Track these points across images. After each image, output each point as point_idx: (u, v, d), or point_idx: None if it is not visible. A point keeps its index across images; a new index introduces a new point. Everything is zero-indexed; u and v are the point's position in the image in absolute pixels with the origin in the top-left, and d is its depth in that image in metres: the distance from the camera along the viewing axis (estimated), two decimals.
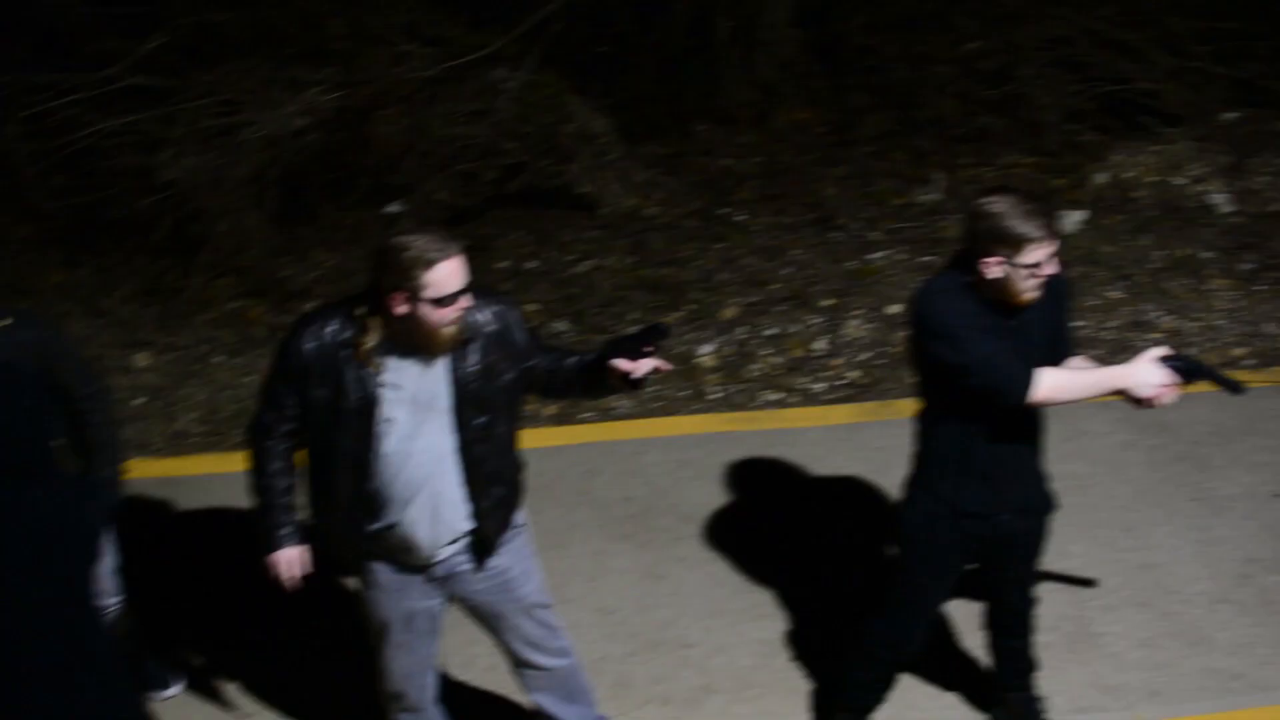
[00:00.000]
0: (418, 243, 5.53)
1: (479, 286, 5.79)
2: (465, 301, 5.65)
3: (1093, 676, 7.42)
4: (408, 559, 6.10)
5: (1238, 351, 9.72)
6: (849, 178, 12.01)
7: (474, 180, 11.52)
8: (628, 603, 7.98)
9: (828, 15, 13.79)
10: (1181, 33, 12.55)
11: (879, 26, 13.51)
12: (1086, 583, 7.93)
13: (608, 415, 9.35)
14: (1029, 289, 5.94)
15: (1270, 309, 10.05)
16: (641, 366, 5.80)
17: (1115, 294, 10.19)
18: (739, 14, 13.13)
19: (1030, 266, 5.86)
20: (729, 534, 8.39)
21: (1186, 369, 6.02)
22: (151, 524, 8.55)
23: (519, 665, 6.61)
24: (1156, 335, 9.85)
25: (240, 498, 8.72)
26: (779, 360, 9.83)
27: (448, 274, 5.55)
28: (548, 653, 6.58)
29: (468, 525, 6.10)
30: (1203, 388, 6.14)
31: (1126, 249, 10.67)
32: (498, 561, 6.26)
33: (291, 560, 6.14)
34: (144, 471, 9.00)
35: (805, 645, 7.68)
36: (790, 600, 7.96)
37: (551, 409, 9.41)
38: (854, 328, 10.04)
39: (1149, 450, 8.86)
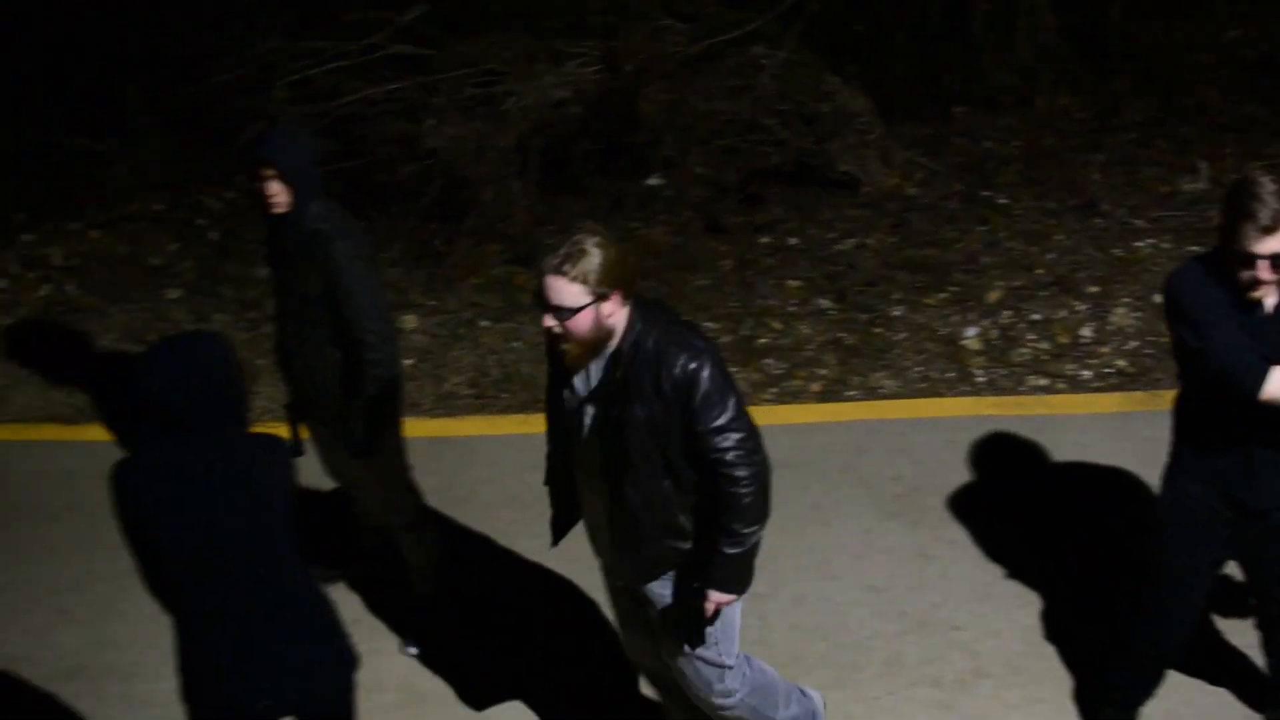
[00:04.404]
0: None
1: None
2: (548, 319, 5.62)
3: None
4: None
5: None
6: (1112, 164, 11.80)
7: (735, 155, 11.48)
8: (897, 582, 7.94)
9: (1087, 1, 13.62)
10: None
11: (1139, 13, 13.32)
12: None
13: (874, 394, 9.31)
14: (1246, 282, 5.78)
15: None
16: None
17: None
18: None
19: (1246, 256, 5.69)
20: (996, 518, 8.31)
21: None
22: (422, 482, 8.69)
23: None
24: None
25: (507, 459, 8.86)
26: (1045, 346, 9.71)
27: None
28: None
29: None
30: None
31: None
32: None
33: None
34: (414, 430, 9.11)
35: (1073, 636, 7.59)
36: (1058, 589, 7.87)
37: (816, 385, 9.38)
38: (1121, 315, 9.89)
39: None
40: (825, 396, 9.34)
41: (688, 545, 6.03)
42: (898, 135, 11.99)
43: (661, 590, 6.15)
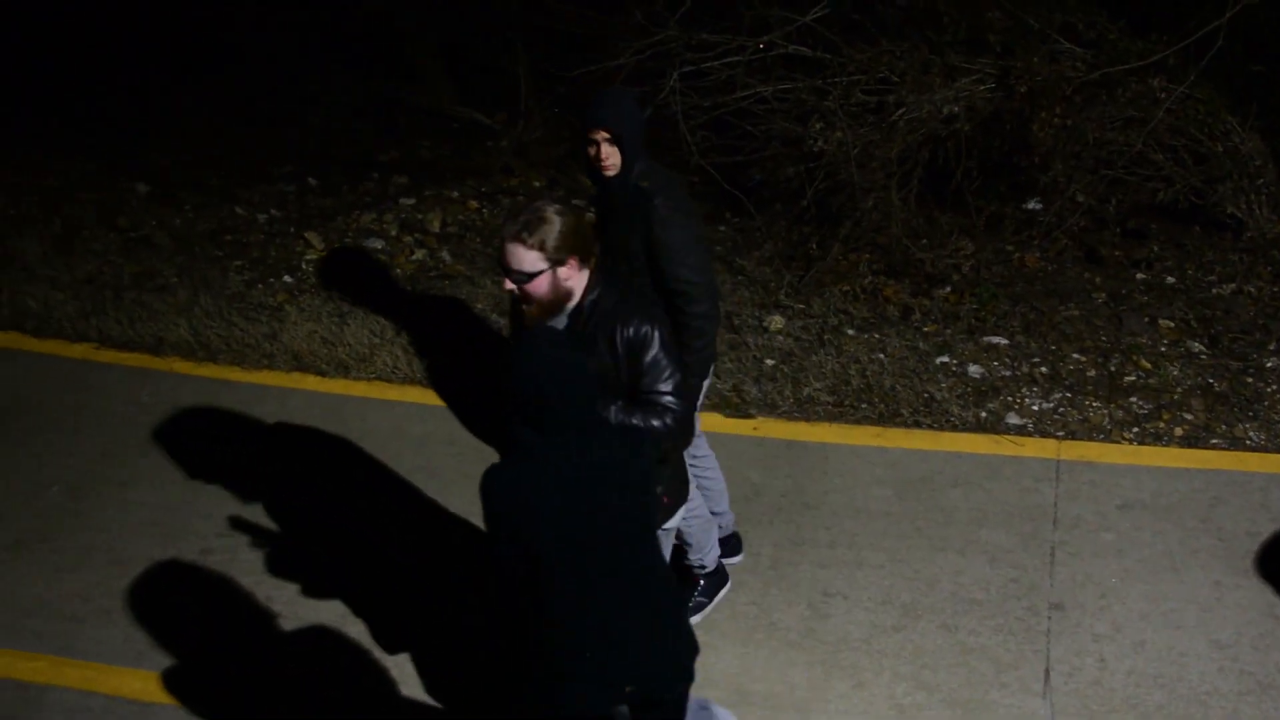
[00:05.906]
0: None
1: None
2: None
3: None
4: None
5: None
6: None
7: (1119, 187, 11.29)
8: (1244, 640, 7.74)
9: None
10: None
11: None
12: None
13: (1238, 445, 9.08)
14: None
15: None
16: None
17: None
18: None
19: None
20: None
21: None
22: (772, 483, 8.75)
23: None
24: None
25: (859, 470, 8.86)
26: None
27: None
28: None
29: None
30: None
31: None
32: None
33: None
34: (769, 431, 9.21)
35: None
36: None
37: (1180, 429, 9.19)
38: None
39: None
40: (1188, 442, 9.14)
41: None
42: None
43: None
